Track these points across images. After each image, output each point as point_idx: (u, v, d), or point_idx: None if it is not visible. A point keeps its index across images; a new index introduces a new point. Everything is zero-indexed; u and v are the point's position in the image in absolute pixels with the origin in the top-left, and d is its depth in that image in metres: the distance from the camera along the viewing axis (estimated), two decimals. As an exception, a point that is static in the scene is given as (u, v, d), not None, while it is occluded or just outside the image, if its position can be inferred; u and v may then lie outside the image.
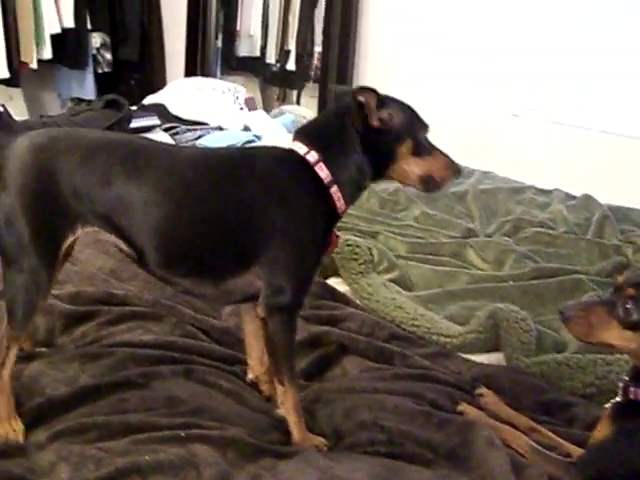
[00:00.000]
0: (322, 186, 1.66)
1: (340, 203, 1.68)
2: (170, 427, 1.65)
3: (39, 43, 4.61)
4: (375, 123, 1.66)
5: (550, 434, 1.83)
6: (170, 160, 1.65)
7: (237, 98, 4.50)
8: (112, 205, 1.58)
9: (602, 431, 1.64)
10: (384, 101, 1.68)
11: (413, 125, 1.71)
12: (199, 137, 3.94)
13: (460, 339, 2.20)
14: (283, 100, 6.05)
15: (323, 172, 1.66)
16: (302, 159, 1.68)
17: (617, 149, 4.02)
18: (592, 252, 3.04)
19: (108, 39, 5.27)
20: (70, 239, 1.61)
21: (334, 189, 1.67)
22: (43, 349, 1.97)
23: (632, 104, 4.06)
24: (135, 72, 5.60)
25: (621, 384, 1.64)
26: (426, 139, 1.74)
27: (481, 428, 1.75)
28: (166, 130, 3.93)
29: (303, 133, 1.75)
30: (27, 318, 1.61)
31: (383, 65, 5.13)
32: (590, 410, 1.91)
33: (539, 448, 1.73)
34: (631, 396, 1.60)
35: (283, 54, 5.64)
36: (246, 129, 4.24)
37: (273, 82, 5.95)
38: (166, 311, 2.17)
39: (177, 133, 3.98)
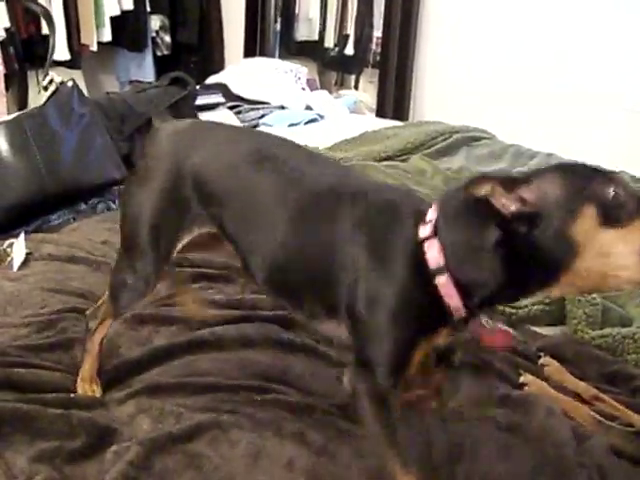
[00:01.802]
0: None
1: (452, 300, 1.25)
2: (245, 388, 1.68)
3: (99, 25, 4.67)
4: (511, 208, 1.15)
5: (614, 403, 1.81)
6: (299, 178, 1.43)
7: (299, 79, 4.54)
8: (229, 211, 1.47)
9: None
10: (517, 179, 1.17)
11: (585, 184, 1.14)
12: (262, 116, 4.00)
13: (525, 310, 2.19)
14: (341, 85, 6.06)
15: (432, 252, 1.24)
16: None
17: None
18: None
19: (167, 21, 5.34)
20: (186, 239, 1.53)
21: (443, 280, 1.24)
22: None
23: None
24: (194, 55, 5.67)
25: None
26: (624, 197, 1.13)
27: (542, 400, 1.75)
28: (230, 108, 3.98)
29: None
30: (126, 309, 1.67)
31: (445, 51, 5.11)
32: None
33: (601, 418, 1.72)
34: None
35: (342, 38, 5.64)
36: (308, 108, 4.28)
37: (331, 66, 5.95)
38: (236, 274, 2.19)
39: (240, 112, 4.02)
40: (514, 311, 2.19)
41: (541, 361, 1.97)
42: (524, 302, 2.22)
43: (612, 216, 1.11)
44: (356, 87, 5.86)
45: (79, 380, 1.65)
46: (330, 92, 5.39)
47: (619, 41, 4.34)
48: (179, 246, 1.53)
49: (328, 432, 1.56)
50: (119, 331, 1.87)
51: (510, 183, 1.15)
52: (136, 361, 1.76)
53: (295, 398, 1.66)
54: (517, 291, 1.27)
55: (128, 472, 1.38)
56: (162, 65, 5.38)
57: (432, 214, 1.26)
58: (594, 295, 2.19)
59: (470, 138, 4.00)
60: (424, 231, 1.26)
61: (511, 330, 1.37)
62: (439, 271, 1.23)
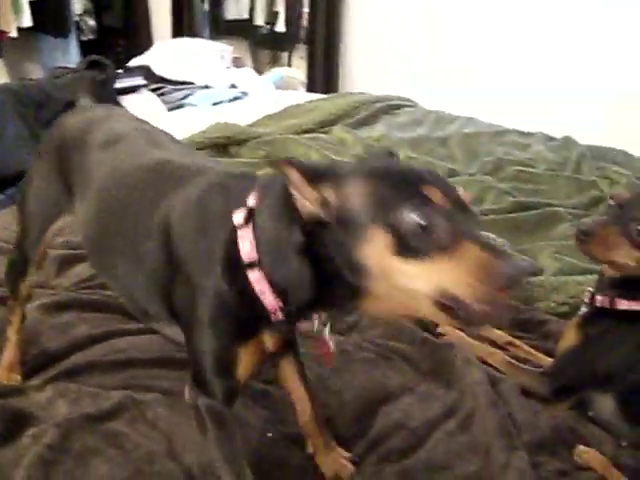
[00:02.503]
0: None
1: (266, 299, 1.11)
2: (158, 363, 1.73)
3: (17, 11, 4.50)
4: (308, 207, 1.01)
5: (526, 347, 1.95)
6: (133, 160, 1.37)
7: (223, 57, 4.54)
8: (78, 195, 1.46)
9: (569, 339, 1.73)
10: (324, 175, 1.01)
11: (389, 204, 0.95)
12: (186, 96, 4.00)
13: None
14: (274, 63, 6.06)
15: (244, 244, 1.10)
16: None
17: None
18: (570, 187, 3.12)
19: (91, 5, 5.23)
20: (58, 223, 1.58)
21: (255, 276, 1.10)
22: (38, 289, 2.04)
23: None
24: (120, 38, 5.57)
25: (588, 293, 1.73)
26: (430, 225, 0.94)
27: (459, 348, 1.85)
28: (153, 90, 3.97)
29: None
30: (18, 291, 1.71)
31: (371, 24, 5.15)
32: (563, 326, 1.96)
33: (513, 362, 1.83)
34: (597, 304, 1.68)
35: (272, 16, 5.63)
36: (233, 87, 4.29)
37: (263, 45, 5.94)
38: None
39: (163, 94, 4.02)
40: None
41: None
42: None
43: (411, 246, 0.93)
44: (289, 64, 5.86)
45: None
46: (263, 70, 5.40)
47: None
48: (51, 228, 1.57)
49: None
50: (41, 319, 1.90)
51: (316, 176, 1.01)
52: (56, 350, 1.79)
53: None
54: (332, 300, 1.10)
55: (46, 455, 1.40)
56: (88, 50, 5.25)
57: (252, 199, 1.11)
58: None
59: (391, 106, 4.10)
60: (238, 218, 1.11)
61: (331, 343, 1.22)
62: (251, 266, 1.09)
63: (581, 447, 1.57)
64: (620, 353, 1.64)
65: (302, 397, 1.47)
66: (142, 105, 3.59)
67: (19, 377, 1.69)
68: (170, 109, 3.83)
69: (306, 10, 5.63)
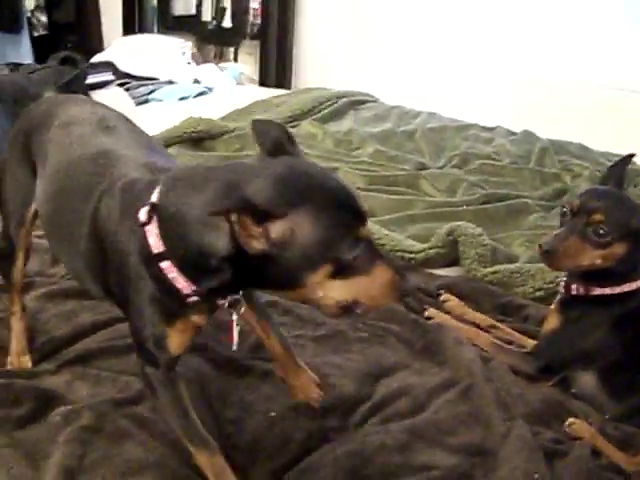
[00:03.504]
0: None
1: (179, 284, 1.21)
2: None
3: None
4: (255, 245, 1.09)
5: (509, 329, 2.07)
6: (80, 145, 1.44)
7: (184, 53, 4.57)
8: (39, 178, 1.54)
9: (551, 322, 1.87)
10: (271, 212, 1.08)
11: (336, 239, 1.11)
12: (152, 91, 4.03)
13: (423, 255, 2.40)
14: (220, 58, 6.07)
15: (151, 238, 1.20)
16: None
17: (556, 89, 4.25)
18: (534, 180, 3.26)
19: (42, 1, 5.19)
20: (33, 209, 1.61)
21: (166, 265, 1.20)
22: (37, 278, 2.11)
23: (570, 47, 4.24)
24: (72, 34, 5.54)
25: (563, 283, 1.87)
26: (362, 243, 1.14)
27: (449, 329, 1.97)
28: (119, 85, 3.99)
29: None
30: (11, 279, 1.75)
31: (326, 20, 5.20)
32: (541, 310, 2.12)
33: (499, 343, 1.95)
34: (573, 292, 1.83)
35: (219, 11, 5.65)
36: (196, 82, 4.33)
37: (209, 40, 5.91)
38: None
39: (129, 89, 4.04)
40: (412, 256, 2.40)
41: (442, 298, 2.18)
42: (420, 246, 2.42)
43: (343, 271, 1.12)
44: (235, 59, 5.88)
45: (9, 358, 1.74)
46: (210, 66, 5.41)
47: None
48: (30, 210, 1.60)
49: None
50: (45, 307, 1.95)
51: (263, 215, 1.07)
52: (62, 336, 1.84)
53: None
54: (242, 288, 1.29)
55: (81, 435, 1.47)
56: (40, 46, 5.24)
57: (155, 196, 1.21)
58: (484, 237, 2.42)
59: (356, 102, 4.19)
60: (142, 215, 1.21)
61: (235, 329, 1.35)
62: (161, 256, 1.20)
63: (571, 419, 1.69)
64: (597, 333, 1.79)
65: (266, 328, 1.61)
66: (111, 100, 3.58)
67: (30, 363, 1.74)
68: (136, 104, 3.85)
69: (254, 6, 5.64)
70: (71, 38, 5.52)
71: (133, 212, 1.23)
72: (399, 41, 4.80)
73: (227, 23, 5.62)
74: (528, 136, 3.82)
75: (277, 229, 1.08)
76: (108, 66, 4.10)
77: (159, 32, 5.70)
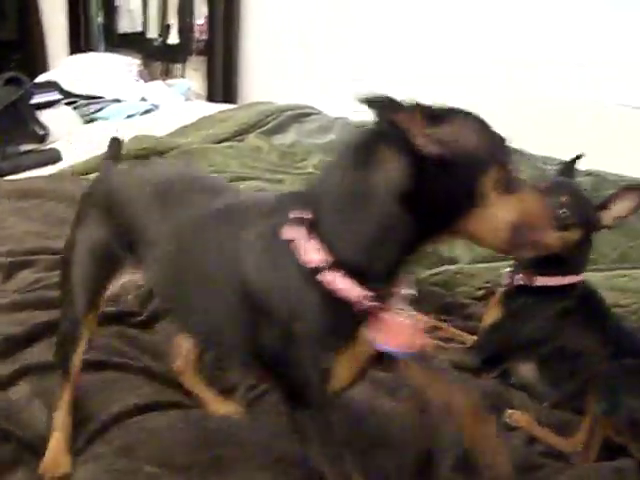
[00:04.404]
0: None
1: (350, 292, 1.14)
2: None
3: None
4: (429, 148, 1.05)
5: (450, 329, 2.13)
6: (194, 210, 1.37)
7: (130, 71, 4.60)
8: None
9: (492, 315, 1.95)
10: (439, 115, 1.09)
11: (497, 144, 1.14)
12: (98, 110, 4.06)
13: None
14: (167, 74, 6.09)
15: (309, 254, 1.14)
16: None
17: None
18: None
19: (-17, 19, 5.18)
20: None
21: (330, 276, 1.13)
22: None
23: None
24: (15, 52, 5.52)
25: (507, 274, 1.95)
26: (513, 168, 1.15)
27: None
28: (66, 105, 4.01)
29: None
30: (67, 362, 1.56)
31: (271, 36, 5.26)
32: (482, 308, 2.18)
33: (439, 343, 2.02)
34: (516, 282, 1.91)
35: (164, 28, 5.69)
36: (143, 100, 4.36)
37: (155, 57, 5.91)
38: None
39: (77, 107, 4.06)
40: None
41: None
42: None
43: (507, 184, 1.12)
44: (182, 75, 5.91)
45: (43, 461, 1.51)
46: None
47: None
48: (107, 288, 1.52)
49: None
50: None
51: (433, 117, 1.07)
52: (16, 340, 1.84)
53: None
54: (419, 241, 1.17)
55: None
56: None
57: (298, 213, 1.17)
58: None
59: (299, 115, 4.27)
60: (293, 233, 1.15)
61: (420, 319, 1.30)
62: (321, 269, 1.13)
63: (509, 410, 1.77)
64: (539, 323, 1.87)
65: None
66: (59, 120, 3.64)
67: (69, 466, 1.50)
68: (84, 123, 3.88)
69: (200, 22, 5.68)
70: (14, 57, 5.49)
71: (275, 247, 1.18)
72: (339, 55, 4.89)
73: (173, 40, 5.63)
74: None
75: (446, 130, 1.08)
76: (54, 86, 4.10)
77: (106, 50, 5.70)
